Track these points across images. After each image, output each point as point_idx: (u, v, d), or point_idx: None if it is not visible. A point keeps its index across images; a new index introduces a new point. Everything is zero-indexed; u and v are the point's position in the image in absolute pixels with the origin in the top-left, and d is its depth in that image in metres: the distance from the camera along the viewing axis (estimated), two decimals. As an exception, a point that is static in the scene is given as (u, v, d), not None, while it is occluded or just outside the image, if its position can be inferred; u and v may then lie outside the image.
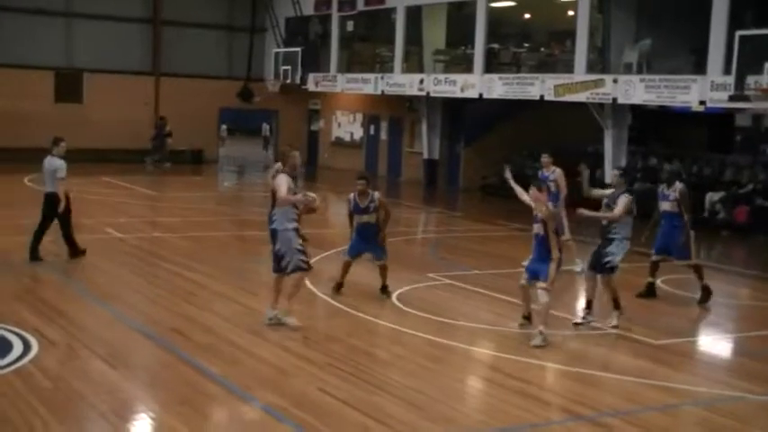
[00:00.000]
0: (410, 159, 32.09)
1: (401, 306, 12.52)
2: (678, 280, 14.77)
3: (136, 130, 33.02)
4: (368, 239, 12.83)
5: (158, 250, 16.25)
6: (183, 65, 34.49)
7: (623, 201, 11.75)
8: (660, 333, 11.62)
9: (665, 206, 13.60)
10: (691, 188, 14.84)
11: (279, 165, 12.41)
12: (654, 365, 10.24)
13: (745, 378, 9.96)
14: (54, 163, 14.31)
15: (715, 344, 12.19)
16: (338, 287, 12.99)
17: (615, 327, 11.63)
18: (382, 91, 30.56)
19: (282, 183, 10.81)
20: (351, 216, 12.87)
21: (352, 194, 12.73)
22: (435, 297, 13.36)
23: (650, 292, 13.74)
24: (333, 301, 12.61)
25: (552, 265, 10.77)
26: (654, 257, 13.73)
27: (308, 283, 13.66)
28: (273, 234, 11.18)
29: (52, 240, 14.85)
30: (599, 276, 11.86)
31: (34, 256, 14.43)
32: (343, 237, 14.42)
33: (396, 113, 32.74)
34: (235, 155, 40.91)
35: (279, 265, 11.07)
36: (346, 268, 12.99)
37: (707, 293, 13.47)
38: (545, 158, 15.76)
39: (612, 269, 11.79)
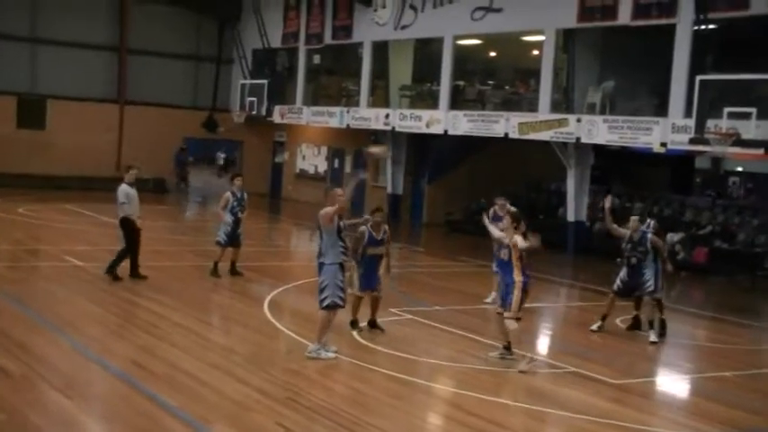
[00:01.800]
0: (374, 194, 32.12)
1: (362, 341, 12.47)
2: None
3: (98, 157, 32.81)
4: (374, 272, 12.80)
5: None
6: (148, 93, 34.38)
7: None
8: (619, 372, 11.69)
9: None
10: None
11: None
12: (612, 405, 10.28)
13: (701, 418, 10.03)
14: (120, 189, 15.25)
15: (672, 384, 12.27)
16: (355, 324, 12.91)
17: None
18: (347, 125, 30.67)
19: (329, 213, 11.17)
20: (362, 249, 12.71)
21: (364, 227, 12.64)
22: (397, 332, 13.32)
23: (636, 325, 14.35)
24: (294, 335, 12.54)
25: (516, 293, 11.13)
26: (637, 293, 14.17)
27: (269, 315, 13.63)
28: (320, 267, 11.36)
29: (8, 267, 14.66)
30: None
31: (134, 274, 15.61)
32: (305, 269, 14.37)
33: (360, 147, 32.79)
34: (198, 185, 40.72)
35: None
36: (359, 303, 12.95)
37: (665, 326, 13.91)
38: (500, 201, 15.55)
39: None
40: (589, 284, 19.55)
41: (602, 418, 9.69)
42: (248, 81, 34.68)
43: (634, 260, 13.90)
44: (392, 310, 14.56)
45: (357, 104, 30.84)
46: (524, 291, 11.46)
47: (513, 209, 15.04)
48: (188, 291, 15.62)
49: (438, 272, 19.98)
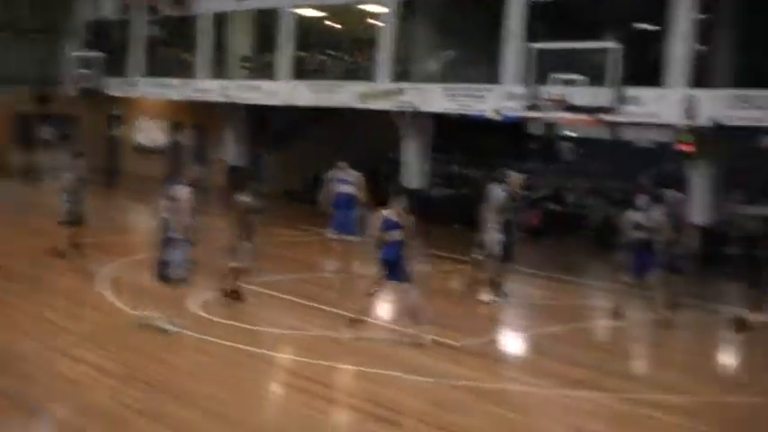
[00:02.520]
0: (215, 166, 31.68)
1: (204, 314, 12.35)
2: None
3: None
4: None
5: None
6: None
7: None
8: (461, 334, 11.99)
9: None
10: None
11: None
12: (453, 366, 10.57)
13: (534, 374, 10.44)
14: None
15: (508, 343, 12.70)
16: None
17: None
18: (187, 97, 30.07)
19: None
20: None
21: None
22: (239, 304, 13.26)
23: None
24: (133, 311, 12.29)
25: None
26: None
27: (106, 292, 13.33)
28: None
29: None
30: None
31: None
32: (142, 244, 14.09)
33: (200, 120, 32.28)
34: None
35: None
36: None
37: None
38: (342, 164, 15.94)
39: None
40: (429, 250, 19.94)
41: (444, 379, 9.95)
42: (83, 53, 33.43)
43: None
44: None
45: (196, 76, 30.26)
46: None
47: (354, 172, 15.34)
48: (21, 269, 15.05)
49: (277, 241, 19.93)
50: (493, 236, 14.12)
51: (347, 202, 15.62)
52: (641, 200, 13.19)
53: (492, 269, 14.22)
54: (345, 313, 11.99)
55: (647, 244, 12.90)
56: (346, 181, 15.75)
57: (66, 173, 16.27)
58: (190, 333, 11.41)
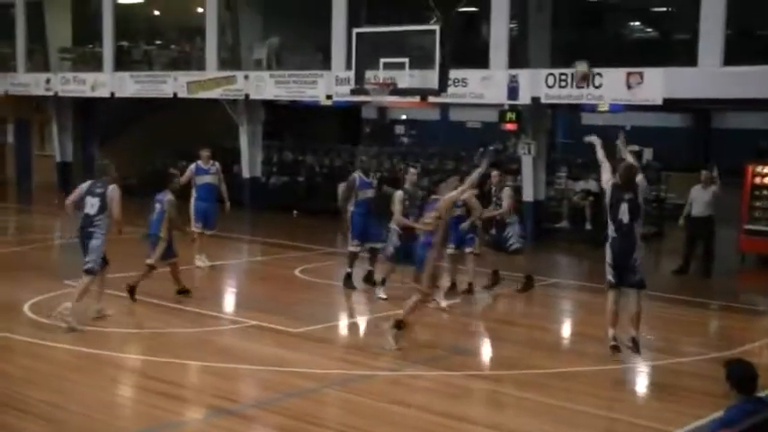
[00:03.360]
0: (42, 163, 30.54)
1: (36, 318, 11.92)
2: (315, 269, 15.46)
3: None
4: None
5: None
6: None
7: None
8: (299, 322, 12.06)
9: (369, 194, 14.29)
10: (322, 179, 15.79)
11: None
12: (292, 353, 10.62)
13: (373, 357, 10.60)
14: None
15: (349, 328, 12.86)
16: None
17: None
18: (5, 91, 28.83)
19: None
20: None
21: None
22: (81, 305, 12.86)
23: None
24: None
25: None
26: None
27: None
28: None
29: None
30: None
31: None
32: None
33: (22, 115, 30.98)
34: None
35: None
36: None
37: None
38: (205, 152, 15.98)
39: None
40: (268, 239, 19.93)
41: (285, 367, 10.00)
42: None
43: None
44: (66, 282, 13.99)
45: (15, 69, 29.02)
46: None
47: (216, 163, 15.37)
48: None
49: (120, 238, 19.40)
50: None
51: (209, 192, 15.55)
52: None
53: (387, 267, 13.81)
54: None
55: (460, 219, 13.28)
56: (207, 171, 15.56)
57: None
58: (19, 337, 11.01)
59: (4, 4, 29.15)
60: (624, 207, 9.89)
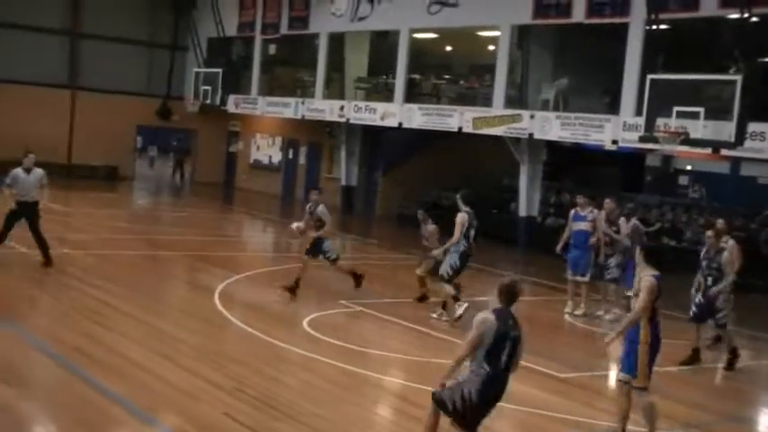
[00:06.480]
0: (328, 185, 32.05)
1: (312, 332, 12.47)
2: (584, 315, 15.08)
3: (49, 144, 32.35)
4: None
5: (65, 267, 15.86)
6: (101, 80, 33.90)
7: None
8: (565, 367, 11.80)
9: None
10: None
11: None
12: (556, 398, 10.39)
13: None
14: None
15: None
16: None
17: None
18: (302, 116, 30.58)
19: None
20: None
21: None
22: (347, 324, 13.36)
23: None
24: (244, 326, 12.50)
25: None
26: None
27: (219, 306, 13.58)
28: None
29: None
30: None
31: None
32: (256, 259, 14.28)
33: (315, 139, 32.77)
34: (148, 173, 40.42)
35: None
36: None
37: None
38: (581, 200, 15.81)
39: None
40: (540, 279, 19.73)
41: (544, 410, 9.80)
42: (203, 69, 34.39)
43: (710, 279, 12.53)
44: (342, 301, 14.58)
45: (312, 96, 30.73)
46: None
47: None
48: (136, 280, 15.48)
49: (389, 264, 20.01)
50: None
51: (584, 241, 15.33)
52: None
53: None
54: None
55: None
56: (584, 218, 15.48)
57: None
58: (297, 350, 11.54)
59: (309, 35, 31.00)
60: None
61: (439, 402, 7.51)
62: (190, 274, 16.35)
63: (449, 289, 13.71)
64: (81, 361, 10.16)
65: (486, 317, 7.38)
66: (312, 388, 10.08)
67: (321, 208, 14.86)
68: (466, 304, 13.45)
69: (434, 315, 14.03)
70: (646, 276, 8.93)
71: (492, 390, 7.46)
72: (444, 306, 13.99)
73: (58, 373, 9.96)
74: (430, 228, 14.95)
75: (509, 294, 7.50)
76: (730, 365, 12.54)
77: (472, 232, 13.77)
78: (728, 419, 10.49)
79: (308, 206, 15.30)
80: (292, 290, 14.40)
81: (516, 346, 7.45)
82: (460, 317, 13.18)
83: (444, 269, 13.77)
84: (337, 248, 14.86)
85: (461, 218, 13.72)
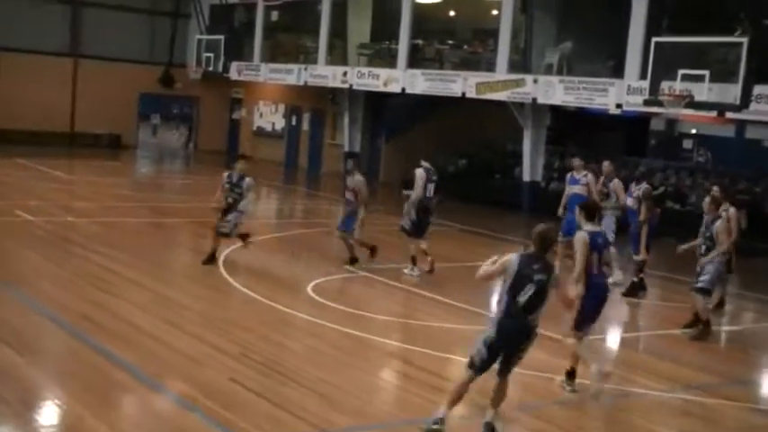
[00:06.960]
0: (331, 152, 32.05)
1: (316, 297, 12.52)
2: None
3: (52, 112, 32.34)
4: None
5: (70, 235, 15.92)
6: (102, 48, 33.76)
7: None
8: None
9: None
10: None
11: None
12: (564, 361, 10.40)
13: (646, 375, 10.21)
14: None
15: (622, 342, 12.46)
16: None
17: None
18: (305, 82, 30.45)
19: None
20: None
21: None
22: (351, 289, 13.41)
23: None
24: (249, 292, 12.55)
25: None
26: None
27: (223, 272, 13.63)
28: None
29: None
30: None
31: None
32: (260, 226, 14.28)
33: (318, 105, 32.68)
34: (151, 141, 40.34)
35: None
36: None
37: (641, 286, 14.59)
38: (576, 162, 15.96)
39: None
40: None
41: (551, 373, 9.84)
42: (205, 36, 34.19)
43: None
44: (347, 267, 14.62)
45: (315, 62, 30.58)
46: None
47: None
48: (141, 247, 15.53)
49: (394, 230, 19.98)
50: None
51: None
52: None
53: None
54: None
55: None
56: (578, 182, 15.55)
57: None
58: (302, 315, 11.59)
59: (312, 0, 30.82)
60: None
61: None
62: (194, 241, 16.38)
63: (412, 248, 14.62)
64: (88, 328, 10.22)
65: (510, 256, 7.74)
66: (317, 353, 10.14)
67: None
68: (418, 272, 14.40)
69: (406, 271, 14.55)
70: (579, 233, 9.42)
71: (506, 326, 7.69)
72: (414, 261, 14.53)
73: (66, 340, 10.02)
74: (357, 178, 15.03)
75: (542, 241, 7.81)
76: (693, 331, 12.13)
77: (431, 186, 14.63)
78: (732, 382, 10.53)
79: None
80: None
81: (541, 291, 7.66)
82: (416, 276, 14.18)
83: (405, 222, 14.76)
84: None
85: (419, 173, 14.53)
